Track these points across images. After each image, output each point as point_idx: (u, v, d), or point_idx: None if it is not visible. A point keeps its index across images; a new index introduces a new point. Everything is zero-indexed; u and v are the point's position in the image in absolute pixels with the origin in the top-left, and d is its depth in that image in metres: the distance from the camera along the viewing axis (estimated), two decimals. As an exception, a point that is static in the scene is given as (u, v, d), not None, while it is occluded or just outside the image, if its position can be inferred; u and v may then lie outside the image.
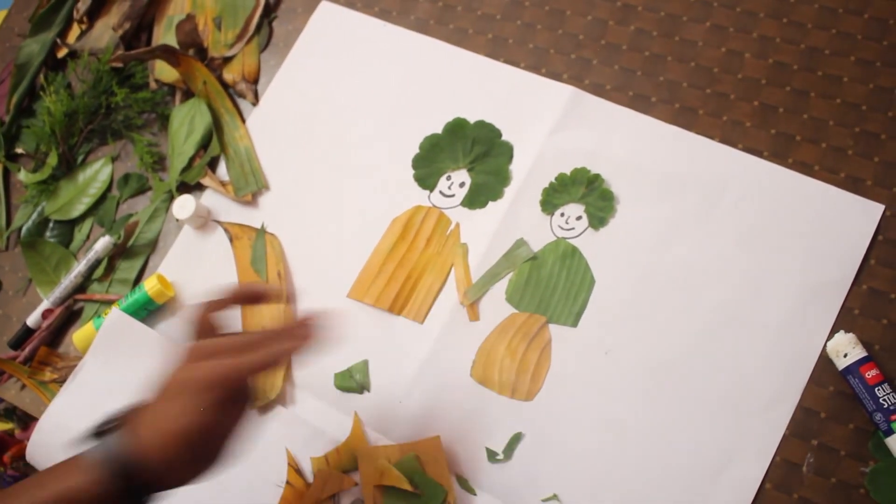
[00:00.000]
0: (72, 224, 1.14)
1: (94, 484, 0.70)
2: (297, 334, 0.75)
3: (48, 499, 0.71)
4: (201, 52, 1.15)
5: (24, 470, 1.06)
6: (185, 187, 1.09)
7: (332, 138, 1.06)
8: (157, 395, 0.73)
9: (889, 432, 0.78)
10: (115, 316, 1.01)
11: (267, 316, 0.99)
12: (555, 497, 0.85)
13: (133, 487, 0.71)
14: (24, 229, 1.15)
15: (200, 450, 0.72)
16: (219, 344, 0.74)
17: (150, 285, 1.01)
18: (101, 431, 0.73)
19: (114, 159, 1.15)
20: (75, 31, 1.24)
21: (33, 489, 0.72)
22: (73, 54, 1.22)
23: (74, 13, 1.24)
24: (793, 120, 0.91)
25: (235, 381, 0.73)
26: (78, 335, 1.03)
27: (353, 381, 0.94)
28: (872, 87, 0.90)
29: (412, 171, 1.01)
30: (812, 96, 0.92)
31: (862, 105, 0.90)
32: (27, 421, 1.09)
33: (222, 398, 0.71)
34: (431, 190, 1.00)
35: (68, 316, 1.08)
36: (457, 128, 1.01)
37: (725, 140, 0.92)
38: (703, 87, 0.95)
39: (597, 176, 0.94)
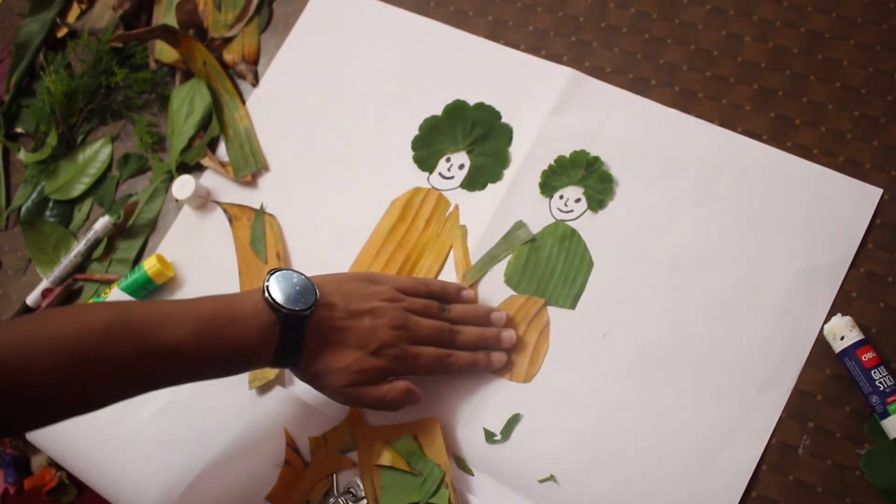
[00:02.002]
0: (71, 204, 1.14)
1: (261, 346, 0.80)
2: (495, 344, 0.89)
3: (231, 348, 0.79)
4: (201, 33, 1.15)
5: (24, 448, 1.06)
6: (184, 168, 1.09)
7: (332, 119, 1.06)
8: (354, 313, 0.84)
9: (885, 415, 0.78)
10: (115, 296, 1.02)
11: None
12: (552, 477, 0.85)
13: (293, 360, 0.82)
14: (23, 209, 1.15)
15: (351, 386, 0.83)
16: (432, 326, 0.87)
17: (149, 265, 1.01)
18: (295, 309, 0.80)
19: (113, 139, 1.15)
20: (75, 10, 1.24)
21: (211, 317, 0.79)
22: (72, 34, 1.22)
23: (74, -7, 1.24)
24: (792, 103, 0.91)
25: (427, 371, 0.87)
26: (77, 315, 1.04)
27: (351, 362, 0.94)
28: (872, 70, 0.90)
29: (411, 153, 1.01)
30: (812, 80, 0.92)
31: (861, 89, 0.90)
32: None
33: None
34: (431, 171, 1.00)
35: (68, 295, 1.08)
36: (456, 110, 1.01)
37: (725, 123, 0.92)
38: (702, 70, 0.95)
39: (596, 158, 0.94)
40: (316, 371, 0.83)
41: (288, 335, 0.80)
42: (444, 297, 0.90)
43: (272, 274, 0.82)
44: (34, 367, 0.71)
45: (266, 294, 0.80)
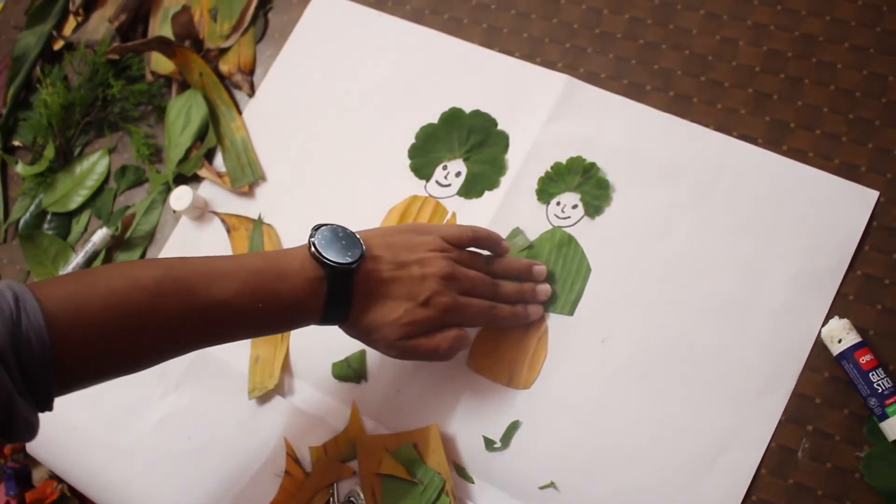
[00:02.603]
0: (69, 216, 1.14)
1: (310, 301, 0.80)
2: (531, 298, 0.90)
3: (282, 305, 0.79)
4: (197, 44, 1.16)
5: (25, 461, 1.06)
6: (181, 179, 1.09)
7: (329, 128, 1.06)
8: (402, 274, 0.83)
9: (883, 417, 0.78)
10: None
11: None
12: (552, 484, 0.85)
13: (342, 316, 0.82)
14: (21, 222, 1.16)
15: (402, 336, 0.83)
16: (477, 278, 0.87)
17: (147, 277, 1.01)
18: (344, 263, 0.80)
19: (111, 151, 1.15)
20: (71, 23, 1.25)
21: (259, 272, 0.79)
22: (69, 46, 1.22)
23: (70, 5, 1.24)
24: (787, 107, 0.92)
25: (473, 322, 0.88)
26: (77, 327, 1.04)
27: (350, 371, 0.94)
28: (866, 73, 0.90)
29: (408, 161, 1.01)
30: (806, 83, 0.92)
31: (856, 91, 0.90)
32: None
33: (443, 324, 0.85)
34: (428, 179, 1.00)
35: (67, 308, 1.08)
36: (453, 117, 1.01)
37: (720, 127, 0.93)
38: (697, 75, 0.95)
39: (592, 164, 0.94)
40: (367, 326, 0.82)
41: (336, 289, 0.80)
42: (488, 244, 0.90)
43: (318, 229, 0.81)
44: (87, 323, 0.71)
45: (312, 249, 0.79)
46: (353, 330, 0.84)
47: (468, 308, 0.85)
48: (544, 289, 0.90)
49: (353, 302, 0.81)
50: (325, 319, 0.81)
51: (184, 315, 0.75)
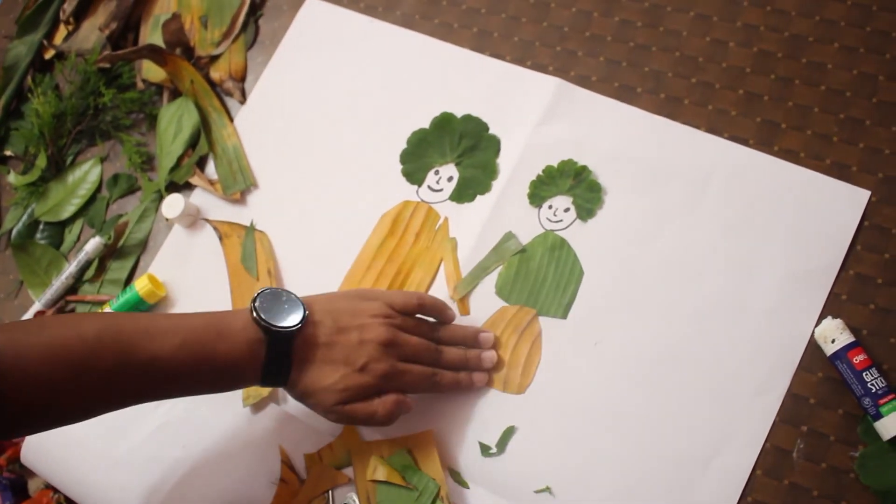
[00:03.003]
0: (62, 225, 1.14)
1: (248, 363, 0.80)
2: (476, 365, 0.89)
3: (218, 364, 0.79)
4: (188, 51, 1.15)
5: (20, 472, 1.06)
6: (174, 187, 1.09)
7: (320, 135, 1.06)
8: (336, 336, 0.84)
9: (877, 416, 0.78)
10: (106, 316, 1.02)
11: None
12: (547, 489, 0.85)
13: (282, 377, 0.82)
14: (14, 231, 1.15)
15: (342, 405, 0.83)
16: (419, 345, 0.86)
17: (140, 285, 1.01)
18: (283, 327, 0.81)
19: (103, 160, 1.15)
20: (62, 32, 1.24)
21: (199, 331, 0.80)
22: (60, 55, 1.22)
23: (61, 14, 1.24)
24: (778, 107, 0.92)
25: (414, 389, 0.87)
26: (70, 336, 1.04)
27: (344, 377, 0.94)
28: (856, 73, 0.91)
29: (400, 167, 1.01)
30: (796, 84, 0.92)
31: (846, 91, 0.90)
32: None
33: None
34: (420, 185, 1.00)
35: (60, 317, 1.08)
36: (444, 122, 1.01)
37: (711, 129, 0.93)
38: (688, 77, 0.96)
39: (584, 167, 0.94)
40: (304, 390, 0.83)
41: (275, 353, 0.80)
42: (434, 311, 0.90)
43: (261, 293, 0.82)
44: (28, 371, 0.72)
45: (254, 312, 0.80)
46: (293, 392, 0.84)
47: (407, 374, 0.85)
48: (490, 356, 0.90)
49: (292, 366, 0.82)
50: (264, 382, 0.82)
51: (121, 369, 0.76)
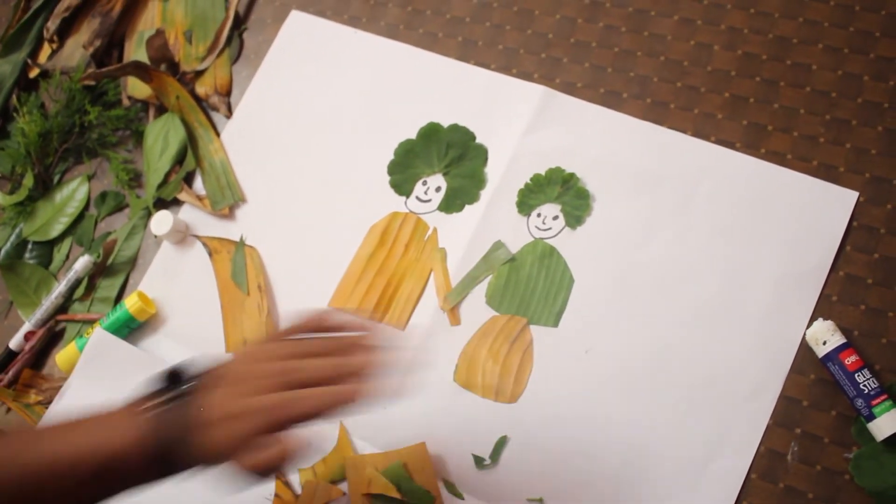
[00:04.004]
0: (51, 244, 1.14)
1: (136, 453, 0.69)
2: (356, 373, 0.70)
3: (85, 452, 0.70)
4: (173, 67, 1.15)
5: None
6: (162, 203, 1.09)
7: (307, 148, 1.06)
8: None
9: (871, 417, 0.78)
10: (98, 335, 1.01)
11: (247, 328, 0.99)
12: (541, 500, 0.85)
13: (169, 463, 0.70)
14: (2, 252, 1.15)
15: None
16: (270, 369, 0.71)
17: (130, 303, 1.01)
18: (168, 397, 0.71)
19: (90, 178, 1.15)
20: (46, 50, 1.24)
21: (73, 434, 0.72)
22: (44, 74, 1.22)
23: (45, 32, 1.23)
24: (764, 110, 0.92)
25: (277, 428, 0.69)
26: (61, 356, 1.03)
27: (337, 391, 0.93)
28: (841, 73, 0.91)
29: (388, 178, 1.01)
30: (782, 85, 0.92)
31: (831, 92, 0.91)
32: (14, 444, 1.08)
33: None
34: (408, 196, 1.00)
35: (51, 337, 1.08)
36: (431, 132, 1.01)
37: (698, 133, 0.93)
38: (673, 81, 0.96)
39: (571, 175, 0.94)
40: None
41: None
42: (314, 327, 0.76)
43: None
44: None
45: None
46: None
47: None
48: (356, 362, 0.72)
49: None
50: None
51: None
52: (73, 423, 0.73)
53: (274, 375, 0.70)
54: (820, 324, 0.82)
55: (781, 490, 0.80)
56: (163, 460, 0.70)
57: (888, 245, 0.84)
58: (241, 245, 1.03)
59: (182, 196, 1.07)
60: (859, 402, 0.79)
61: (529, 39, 1.02)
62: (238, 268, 1.02)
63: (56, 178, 1.17)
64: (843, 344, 0.80)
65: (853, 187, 0.86)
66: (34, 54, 1.24)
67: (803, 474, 0.80)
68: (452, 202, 0.98)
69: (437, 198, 0.98)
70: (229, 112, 1.11)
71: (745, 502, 0.81)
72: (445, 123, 1.01)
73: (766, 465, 0.81)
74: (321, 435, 0.86)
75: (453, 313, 0.93)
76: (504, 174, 0.97)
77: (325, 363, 0.71)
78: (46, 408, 1.02)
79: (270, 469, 0.70)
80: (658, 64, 0.97)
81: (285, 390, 0.70)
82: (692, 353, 0.85)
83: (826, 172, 0.88)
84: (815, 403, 0.82)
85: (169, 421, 0.70)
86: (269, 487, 0.91)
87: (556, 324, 0.90)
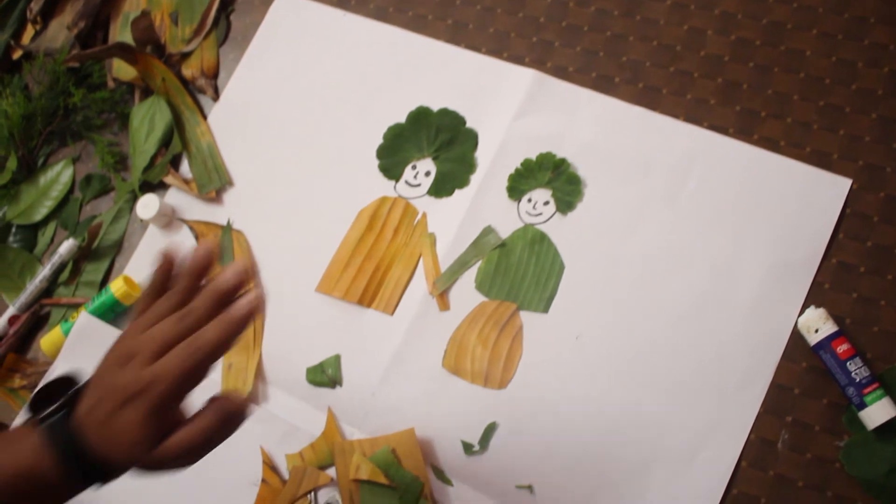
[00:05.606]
0: (35, 228, 1.12)
1: (46, 465, 0.65)
2: (236, 288, 0.66)
3: (7, 478, 0.66)
4: (159, 49, 1.14)
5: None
6: (148, 186, 1.07)
7: (295, 131, 1.05)
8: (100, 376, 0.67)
9: (862, 406, 0.78)
10: (83, 320, 1.00)
11: None
12: (529, 487, 0.84)
13: (87, 467, 0.66)
14: (-14, 235, 1.14)
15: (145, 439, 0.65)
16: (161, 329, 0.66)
17: (116, 287, 1.00)
18: (48, 413, 0.67)
19: (75, 161, 1.14)
20: (29, 31, 1.22)
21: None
22: (28, 55, 1.20)
23: (28, 13, 1.22)
24: (757, 96, 0.91)
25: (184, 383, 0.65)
26: (45, 340, 1.02)
27: (324, 376, 0.93)
28: (835, 60, 0.90)
29: (377, 162, 1.00)
30: (775, 71, 0.91)
31: (825, 78, 0.90)
32: (-2, 429, 1.07)
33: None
34: (397, 180, 0.99)
35: (35, 321, 1.07)
36: (420, 116, 1.00)
37: (690, 118, 0.92)
38: (666, 66, 0.95)
39: (563, 160, 0.93)
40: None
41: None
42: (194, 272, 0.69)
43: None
44: None
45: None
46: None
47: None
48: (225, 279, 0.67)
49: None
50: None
51: None
52: None
53: (168, 331, 0.66)
54: (812, 312, 0.81)
55: (772, 478, 0.80)
56: (78, 466, 0.66)
57: (881, 233, 0.84)
58: (228, 229, 1.02)
59: (168, 179, 1.06)
60: (851, 391, 0.78)
61: (521, 23, 1.01)
62: (225, 252, 1.01)
63: (40, 161, 1.15)
64: (835, 332, 0.80)
65: (847, 174, 0.86)
66: (17, 36, 1.23)
67: (794, 462, 0.80)
68: (442, 186, 0.97)
69: (427, 182, 0.97)
70: (216, 95, 1.10)
71: (735, 490, 0.80)
72: (435, 107, 1.00)
73: (756, 453, 0.81)
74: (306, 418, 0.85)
75: (442, 299, 0.92)
76: (494, 159, 0.96)
77: (205, 294, 0.67)
78: (31, 392, 1.01)
79: (217, 431, 0.68)
80: (651, 48, 0.96)
81: (184, 340, 0.65)
82: (683, 340, 0.85)
83: (819, 159, 0.87)
84: (806, 391, 0.81)
85: (58, 427, 0.66)
86: (257, 473, 0.90)
87: (546, 310, 0.89)
